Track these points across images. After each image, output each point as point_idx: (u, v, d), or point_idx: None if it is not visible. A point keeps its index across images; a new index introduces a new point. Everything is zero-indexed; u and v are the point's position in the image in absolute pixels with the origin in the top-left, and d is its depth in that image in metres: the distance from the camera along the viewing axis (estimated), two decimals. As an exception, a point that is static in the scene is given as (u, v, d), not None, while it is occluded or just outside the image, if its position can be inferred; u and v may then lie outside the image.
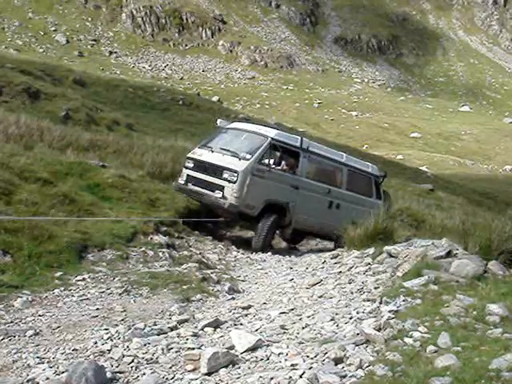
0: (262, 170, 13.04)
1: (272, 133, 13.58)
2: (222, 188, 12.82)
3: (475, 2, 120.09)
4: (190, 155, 13.90)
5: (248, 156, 12.98)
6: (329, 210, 14.32)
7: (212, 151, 13.41)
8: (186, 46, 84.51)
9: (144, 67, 76.87)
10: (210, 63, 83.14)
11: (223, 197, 12.79)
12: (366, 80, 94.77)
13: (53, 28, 76.47)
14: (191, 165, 13.65)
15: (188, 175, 13.66)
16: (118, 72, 69.40)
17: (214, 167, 13.06)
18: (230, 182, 12.73)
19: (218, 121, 14.88)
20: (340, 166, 14.65)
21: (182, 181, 13.71)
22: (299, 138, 14.07)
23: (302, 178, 13.77)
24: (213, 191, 12.91)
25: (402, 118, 76.24)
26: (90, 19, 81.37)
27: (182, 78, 76.81)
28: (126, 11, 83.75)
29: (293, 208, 13.67)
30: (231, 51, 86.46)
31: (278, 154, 13.95)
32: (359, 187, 15.09)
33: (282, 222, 13.61)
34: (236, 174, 12.72)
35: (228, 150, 13.24)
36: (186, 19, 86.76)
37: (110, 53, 77.37)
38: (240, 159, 12.89)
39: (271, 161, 13.51)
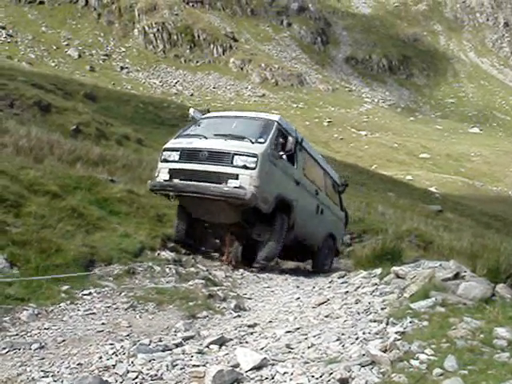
0: (276, 157, 11.35)
1: (276, 117, 12.14)
2: (235, 176, 10.80)
3: (486, 24, 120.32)
4: (170, 146, 11.76)
5: (261, 139, 11.25)
6: (315, 216, 12.99)
7: (205, 138, 11.47)
8: (197, 62, 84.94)
9: (155, 83, 77.28)
10: (220, 80, 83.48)
11: (240, 187, 10.72)
12: (376, 100, 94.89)
13: (65, 42, 77.06)
14: (176, 156, 11.48)
15: (173, 169, 11.41)
16: (128, 87, 69.80)
17: (218, 154, 11.01)
18: (247, 168, 10.81)
19: (191, 110, 13.17)
20: (321, 167, 13.65)
21: (162, 177, 11.48)
22: (294, 127, 12.55)
23: (300, 173, 12.30)
24: (219, 182, 10.84)
25: (412, 139, 76.18)
26: (102, 34, 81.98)
27: (192, 95, 77.14)
28: (139, 27, 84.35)
29: (295, 207, 12.00)
30: (242, 69, 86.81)
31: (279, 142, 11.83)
32: (331, 194, 14.16)
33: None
34: (255, 159, 10.84)
35: (230, 135, 11.40)
36: (198, 36, 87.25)
37: (122, 68, 77.85)
38: (253, 142, 11.10)
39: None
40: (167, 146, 11.82)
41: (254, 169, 10.80)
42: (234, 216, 11.42)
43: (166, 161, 11.59)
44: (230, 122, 12.17)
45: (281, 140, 11.63)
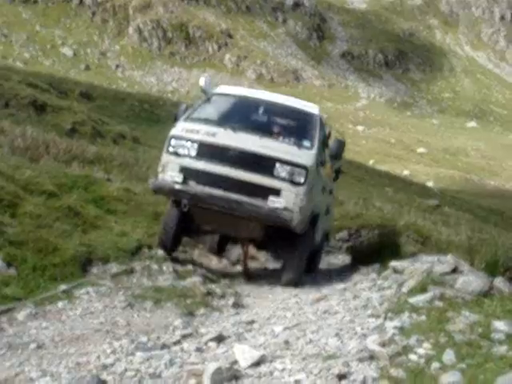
0: (319, 165, 9.34)
1: (315, 109, 10.08)
2: (276, 192, 8.72)
3: (482, 18, 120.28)
4: (183, 134, 9.14)
5: (307, 142, 9.25)
6: (325, 217, 11.04)
7: (233, 130, 9.04)
8: (193, 59, 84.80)
9: (150, 81, 77.17)
10: (216, 77, 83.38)
11: (285, 208, 8.62)
12: (372, 95, 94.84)
13: (60, 41, 76.85)
14: (192, 150, 8.98)
15: (188, 168, 8.99)
16: (124, 85, 69.72)
17: (254, 157, 8.81)
18: (293, 183, 8.72)
19: (202, 80, 10.59)
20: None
21: (173, 177, 9.00)
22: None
23: (324, 175, 10.15)
24: (255, 196, 8.72)
25: (409, 134, 76.20)
26: (97, 33, 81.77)
27: (188, 92, 77.05)
28: (133, 25, 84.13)
29: (321, 217, 10.23)
30: (238, 65, 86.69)
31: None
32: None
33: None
34: (304, 172, 8.75)
35: (266, 130, 9.33)
36: (193, 33, 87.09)
37: (117, 66, 77.70)
38: (300, 147, 9.06)
39: None
40: (177, 132, 9.25)
41: (301, 185, 8.74)
42: (258, 233, 9.31)
43: (176, 154, 9.09)
44: (257, 107, 9.98)
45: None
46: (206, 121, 9.48)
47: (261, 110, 9.92)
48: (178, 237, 9.84)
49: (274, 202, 8.66)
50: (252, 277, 10.14)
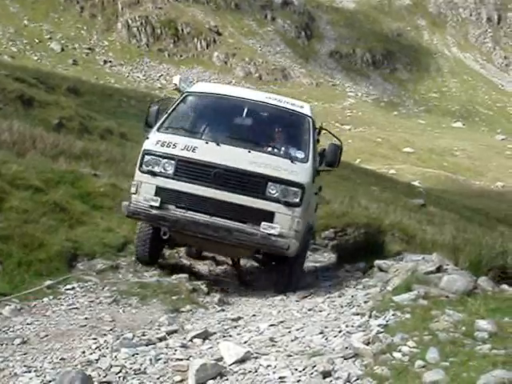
0: (314, 177, 8.42)
1: (307, 108, 8.95)
2: (270, 216, 7.72)
3: (469, 20, 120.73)
4: (158, 149, 7.93)
5: (300, 155, 8.19)
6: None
7: (216, 143, 7.95)
8: (181, 56, 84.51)
9: (138, 77, 76.85)
10: (204, 74, 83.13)
11: (281, 234, 7.66)
12: (359, 94, 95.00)
13: (48, 36, 76.37)
14: (169, 168, 7.86)
15: (165, 189, 7.89)
16: (112, 81, 69.34)
17: (242, 176, 7.77)
18: (288, 204, 7.73)
19: (176, 78, 9.00)
20: None
21: (149, 200, 7.86)
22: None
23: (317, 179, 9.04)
24: (245, 221, 7.75)
25: (395, 133, 76.36)
26: (85, 28, 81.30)
27: (176, 89, 76.86)
28: (122, 21, 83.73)
29: (314, 223, 9.68)
30: (226, 63, 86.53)
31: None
32: None
33: None
34: (300, 191, 7.78)
35: (254, 141, 8.28)
36: (182, 30, 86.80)
37: (105, 62, 77.29)
38: (293, 160, 8.00)
39: None
40: (151, 146, 8.05)
41: (297, 206, 7.78)
42: (248, 254, 8.69)
43: (151, 173, 7.93)
44: (240, 109, 8.72)
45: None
46: (184, 131, 8.48)
47: (245, 113, 8.69)
48: (157, 251, 9.03)
49: (267, 228, 7.69)
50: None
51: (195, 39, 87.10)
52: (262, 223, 7.70)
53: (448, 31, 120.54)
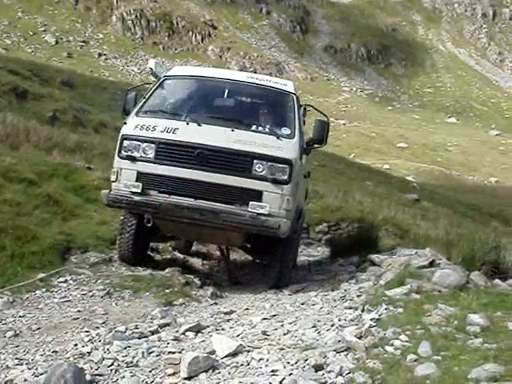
0: (302, 154, 8.12)
1: (290, 85, 8.82)
2: (258, 195, 7.46)
3: (464, 15, 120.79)
4: (137, 133, 7.68)
5: (286, 131, 7.91)
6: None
7: (198, 123, 7.69)
8: (176, 50, 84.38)
9: (133, 70, 76.65)
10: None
11: (270, 214, 7.39)
12: (354, 89, 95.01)
13: (42, 28, 76.11)
14: (150, 151, 7.57)
15: (146, 174, 7.60)
16: (106, 74, 69.17)
17: (226, 155, 7.49)
18: (276, 182, 7.45)
19: (152, 62, 8.88)
20: None
21: (130, 187, 7.59)
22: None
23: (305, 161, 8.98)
24: (232, 203, 7.46)
25: (390, 128, 76.45)
26: (79, 21, 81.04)
27: (152, 73, 76.60)
28: (117, 14, 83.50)
29: (304, 208, 9.26)
30: (221, 57, 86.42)
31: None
32: None
33: None
34: (288, 168, 7.48)
35: (238, 120, 8.01)
36: (177, 23, 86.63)
37: (99, 55, 77.08)
38: (279, 137, 7.73)
39: None
40: (129, 131, 7.76)
41: (286, 183, 7.47)
42: (238, 241, 8.50)
43: (130, 158, 7.63)
44: (221, 90, 8.57)
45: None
46: (163, 113, 8.16)
47: (226, 93, 8.54)
48: (142, 248, 8.74)
49: (256, 208, 7.40)
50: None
51: (190, 33, 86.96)
52: (250, 203, 7.41)
53: (443, 27, 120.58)
